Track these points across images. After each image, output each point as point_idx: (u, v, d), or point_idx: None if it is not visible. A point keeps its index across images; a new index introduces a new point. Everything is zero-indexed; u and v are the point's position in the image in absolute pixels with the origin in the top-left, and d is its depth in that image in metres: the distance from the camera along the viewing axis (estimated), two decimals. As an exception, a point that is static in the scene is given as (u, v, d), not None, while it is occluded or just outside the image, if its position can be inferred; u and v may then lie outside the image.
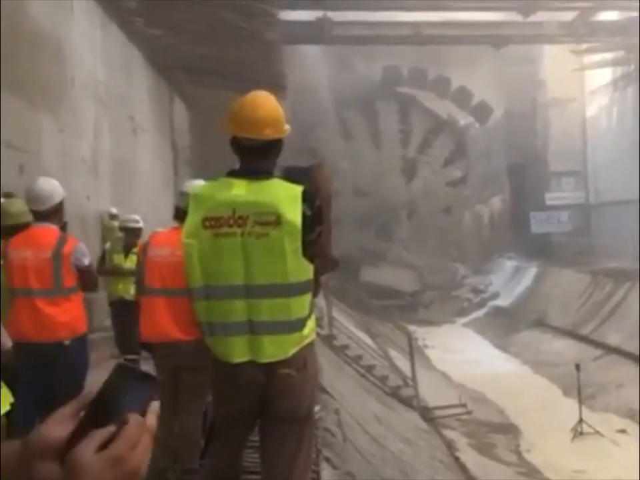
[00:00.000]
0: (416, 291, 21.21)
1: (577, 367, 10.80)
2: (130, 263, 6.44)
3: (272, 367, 2.60)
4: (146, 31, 13.32)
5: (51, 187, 4.13)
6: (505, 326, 18.41)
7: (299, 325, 2.62)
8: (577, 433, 10.54)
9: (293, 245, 2.55)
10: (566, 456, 10.04)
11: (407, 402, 10.20)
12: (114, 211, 9.44)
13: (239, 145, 2.72)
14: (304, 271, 2.61)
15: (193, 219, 2.67)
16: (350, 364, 10.42)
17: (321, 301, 11.77)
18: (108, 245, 7.23)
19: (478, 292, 22.01)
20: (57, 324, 3.97)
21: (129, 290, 6.42)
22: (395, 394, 10.27)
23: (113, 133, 11.38)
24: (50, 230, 4.06)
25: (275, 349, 2.60)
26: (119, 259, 6.84)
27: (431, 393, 11.50)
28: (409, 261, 22.06)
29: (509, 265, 22.64)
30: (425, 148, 24.38)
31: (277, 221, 2.55)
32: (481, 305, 21.27)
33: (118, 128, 11.72)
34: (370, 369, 10.70)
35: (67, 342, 3.99)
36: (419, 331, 18.52)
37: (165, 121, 15.60)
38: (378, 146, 24.12)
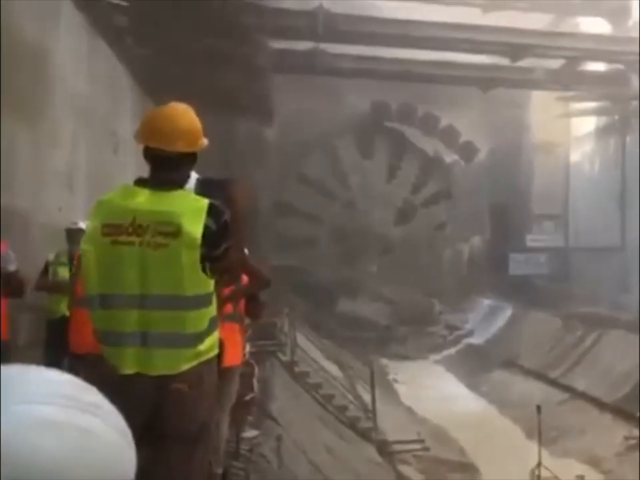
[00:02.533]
0: (391, 324, 21.17)
1: (538, 409, 10.74)
2: None
3: (164, 382, 2.54)
4: (135, 49, 13.42)
5: None
6: (476, 364, 18.39)
7: (194, 339, 2.56)
8: (535, 476, 10.49)
9: (191, 258, 2.52)
10: (522, 499, 9.99)
11: (364, 434, 10.11)
12: (81, 224, 9.02)
13: (150, 155, 2.71)
14: (202, 284, 2.57)
15: (92, 224, 2.65)
16: (309, 392, 10.34)
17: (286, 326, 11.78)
18: (51, 256, 6.57)
19: (453, 329, 22.00)
20: None
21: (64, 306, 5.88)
22: (352, 425, 10.18)
23: (92, 147, 11.39)
24: None
25: (166, 362, 2.55)
26: (63, 272, 6.22)
27: (392, 427, 11.43)
28: (386, 294, 22.07)
29: (485, 303, 22.71)
30: (420, 188, 24.50)
31: (177, 232, 2.52)
32: (455, 342, 21.24)
33: (97, 143, 11.74)
34: (329, 398, 10.58)
35: None
36: (390, 365, 18.47)
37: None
38: (370, 176, 24.13)
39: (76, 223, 6.48)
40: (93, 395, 0.81)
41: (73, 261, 6.07)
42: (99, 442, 0.77)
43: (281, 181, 22.99)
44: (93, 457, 0.75)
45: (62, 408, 0.76)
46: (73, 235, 6.32)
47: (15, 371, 0.80)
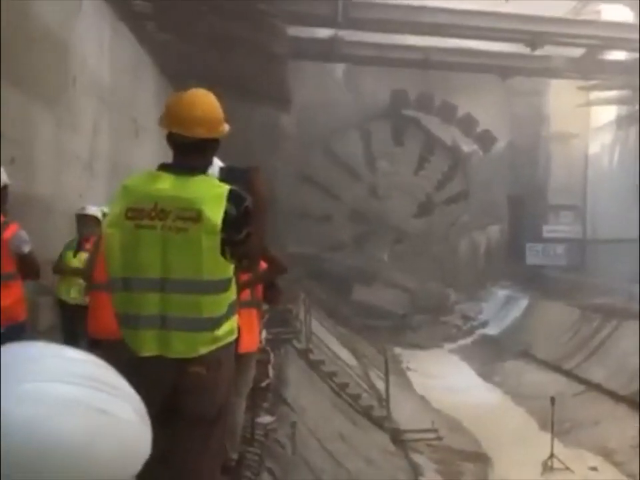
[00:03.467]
0: (406, 313, 21.19)
1: (552, 400, 10.79)
2: (78, 262, 5.90)
3: (183, 364, 2.59)
4: (157, 35, 13.46)
5: None
6: (490, 355, 18.37)
7: (211, 324, 2.60)
8: (548, 467, 10.54)
9: (210, 243, 2.56)
10: (534, 490, 10.03)
11: (378, 423, 10.18)
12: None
13: (173, 140, 2.75)
14: (221, 269, 2.61)
15: (116, 208, 2.70)
16: (324, 379, 10.41)
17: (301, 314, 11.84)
18: (68, 241, 6.54)
19: (468, 319, 21.97)
20: None
21: (69, 292, 6.02)
22: (366, 414, 10.25)
23: (113, 133, 11.45)
24: None
25: (184, 345, 2.59)
26: (69, 256, 6.21)
27: (406, 416, 11.50)
28: (401, 282, 22.07)
29: (501, 294, 22.63)
30: (444, 185, 24.38)
31: (197, 217, 2.56)
32: (470, 332, 21.21)
33: (119, 129, 11.79)
34: (343, 386, 10.64)
35: (1, 330, 3.81)
36: (404, 354, 18.50)
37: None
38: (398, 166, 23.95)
39: (84, 209, 6.46)
40: (112, 376, 0.82)
41: (81, 245, 6.10)
42: (116, 422, 0.77)
43: (304, 157, 22.88)
44: (111, 436, 0.76)
45: (82, 388, 0.76)
46: (81, 220, 6.34)
47: (35, 349, 0.80)
